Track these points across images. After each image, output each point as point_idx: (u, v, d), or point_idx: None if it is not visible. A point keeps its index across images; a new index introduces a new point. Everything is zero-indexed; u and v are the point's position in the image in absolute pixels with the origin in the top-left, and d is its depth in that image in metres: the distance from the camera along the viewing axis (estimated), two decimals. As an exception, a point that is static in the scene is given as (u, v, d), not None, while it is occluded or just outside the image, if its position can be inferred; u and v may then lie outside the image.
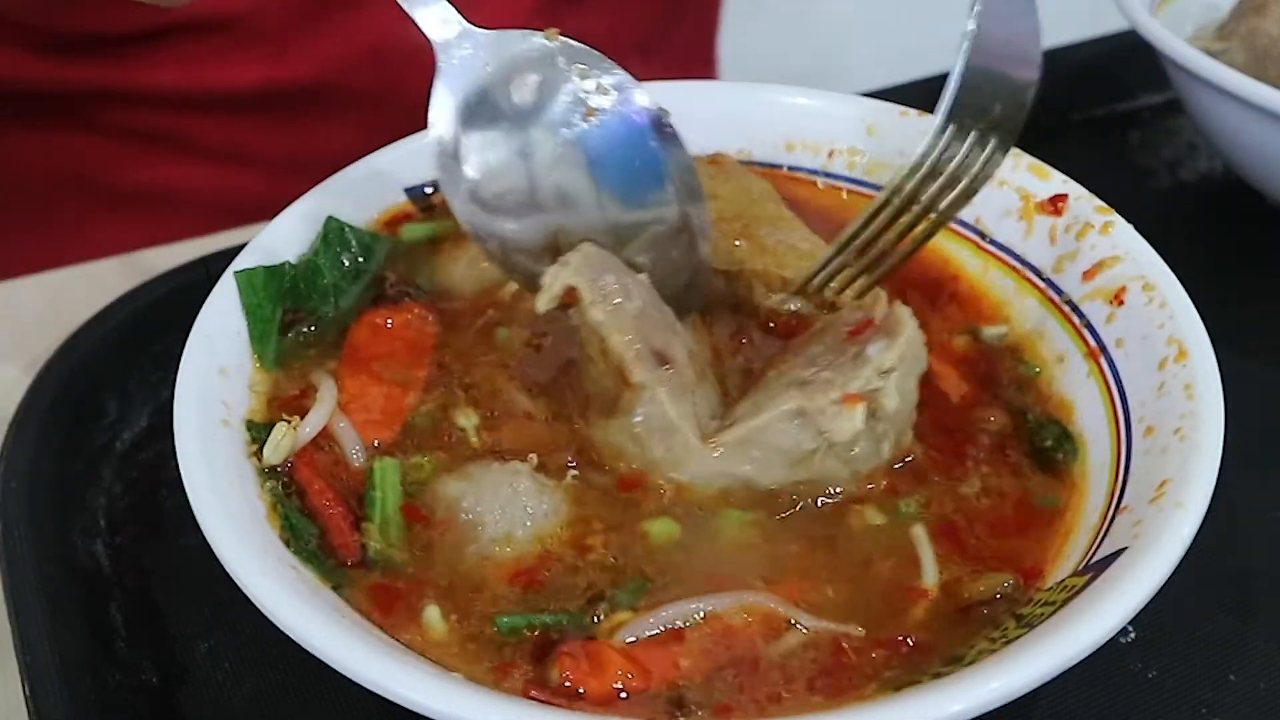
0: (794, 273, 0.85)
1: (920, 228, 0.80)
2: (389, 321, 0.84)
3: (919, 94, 1.11)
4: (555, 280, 0.73)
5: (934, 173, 0.79)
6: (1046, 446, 0.78)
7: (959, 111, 0.79)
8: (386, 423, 0.78)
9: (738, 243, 0.86)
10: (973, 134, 0.79)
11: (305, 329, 0.81)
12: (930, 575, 0.70)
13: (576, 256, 0.75)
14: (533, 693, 0.64)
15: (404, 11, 0.80)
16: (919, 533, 0.72)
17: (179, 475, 0.68)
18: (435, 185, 0.92)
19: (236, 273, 0.80)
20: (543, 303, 0.73)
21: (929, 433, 0.78)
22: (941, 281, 0.89)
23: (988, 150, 0.80)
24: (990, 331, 0.86)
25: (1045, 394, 0.82)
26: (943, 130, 0.79)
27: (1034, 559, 0.72)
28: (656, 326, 0.75)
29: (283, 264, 0.83)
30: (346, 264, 0.86)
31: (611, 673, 0.64)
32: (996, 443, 0.79)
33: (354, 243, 0.86)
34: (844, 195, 0.95)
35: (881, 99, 0.97)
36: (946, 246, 0.91)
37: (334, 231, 0.86)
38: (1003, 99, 0.79)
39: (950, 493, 0.75)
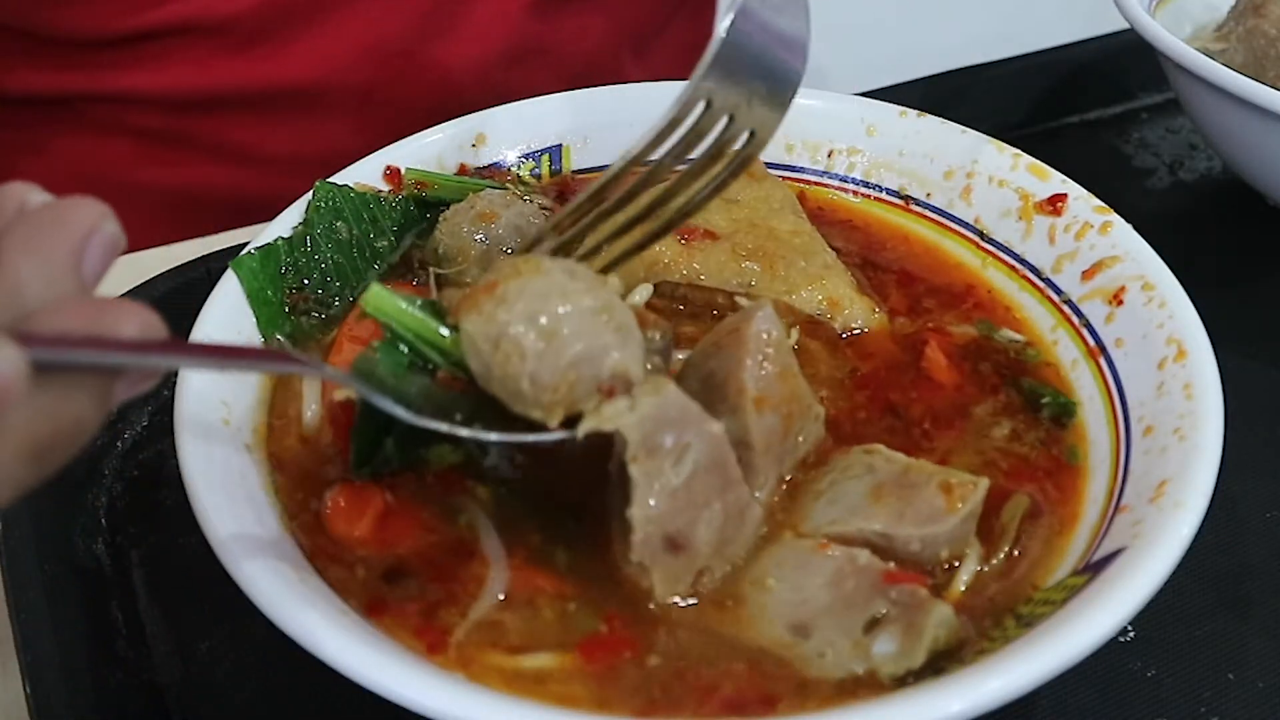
0: (804, 302, 0.84)
1: (679, 200, 0.76)
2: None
3: (919, 94, 1.12)
4: (612, 419, 0.64)
5: (685, 145, 0.74)
6: (1044, 403, 0.79)
7: (714, 91, 0.73)
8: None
9: (748, 264, 0.85)
10: (725, 118, 0.74)
11: (314, 314, 0.82)
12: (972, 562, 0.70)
13: (649, 402, 0.64)
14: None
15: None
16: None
17: (179, 475, 0.68)
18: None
19: (233, 263, 0.80)
20: (583, 430, 0.64)
21: (928, 419, 0.79)
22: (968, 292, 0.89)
23: (744, 137, 0.75)
24: (1006, 334, 0.85)
25: (1043, 375, 0.82)
26: (688, 103, 0.73)
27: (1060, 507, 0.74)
28: (699, 495, 0.67)
29: (275, 240, 0.83)
30: (343, 236, 0.85)
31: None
32: (1000, 411, 0.80)
33: (346, 209, 0.85)
34: (846, 196, 0.96)
35: (881, 99, 0.97)
36: (948, 247, 0.91)
37: (324, 196, 0.85)
38: (763, 93, 0.75)
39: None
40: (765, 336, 0.71)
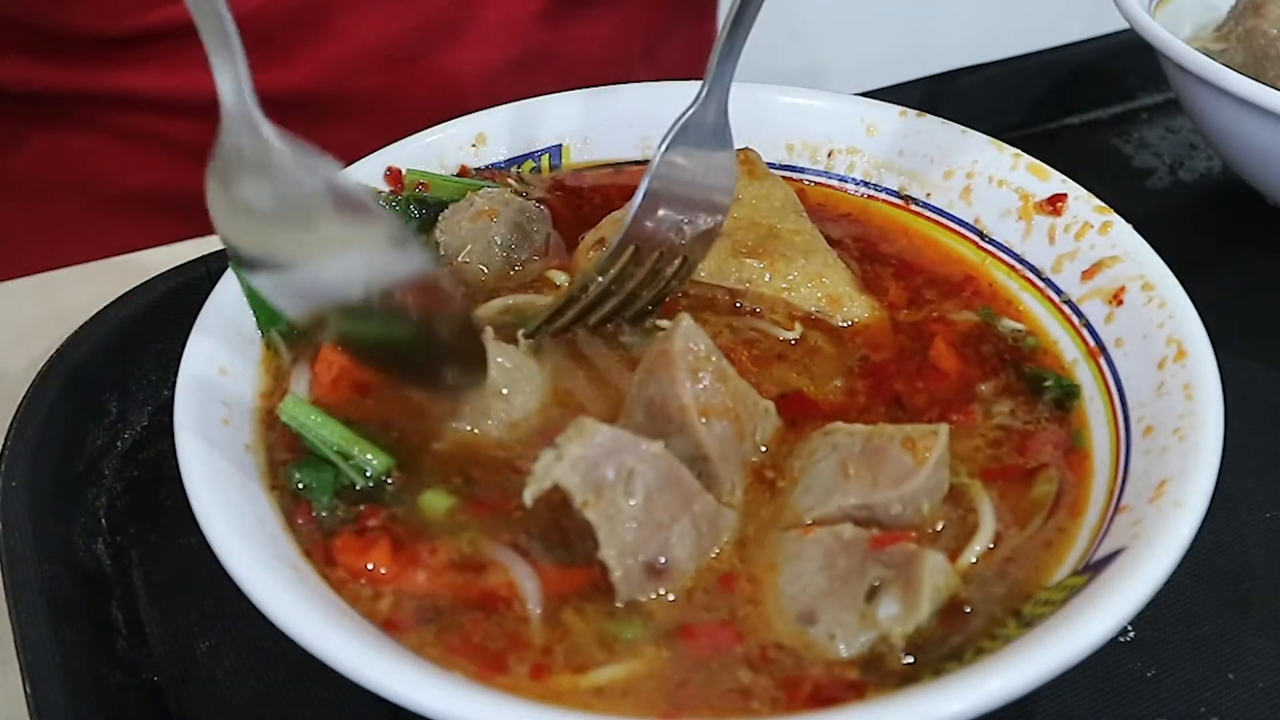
0: (803, 300, 0.85)
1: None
2: None
3: (918, 94, 1.12)
4: (545, 475, 0.65)
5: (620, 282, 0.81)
6: (1046, 386, 0.80)
7: (641, 234, 0.80)
8: (340, 386, 0.78)
9: (749, 261, 0.85)
10: (656, 254, 0.81)
11: None
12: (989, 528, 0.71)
13: (573, 447, 0.66)
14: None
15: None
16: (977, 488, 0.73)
17: (179, 475, 0.68)
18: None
19: (233, 263, 0.80)
20: (529, 495, 0.66)
21: (934, 409, 0.79)
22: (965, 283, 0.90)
23: (674, 268, 0.82)
24: (1009, 324, 0.86)
25: (1043, 363, 0.83)
26: (619, 252, 0.80)
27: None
28: (662, 515, 0.67)
29: None
30: None
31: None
32: (1003, 395, 0.80)
33: None
34: (845, 196, 0.96)
35: (881, 99, 0.97)
36: (948, 245, 0.91)
37: None
38: (691, 229, 0.81)
39: (979, 449, 0.77)
40: (691, 349, 0.72)
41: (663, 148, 0.80)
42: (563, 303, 0.81)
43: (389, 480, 0.73)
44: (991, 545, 0.71)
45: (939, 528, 0.71)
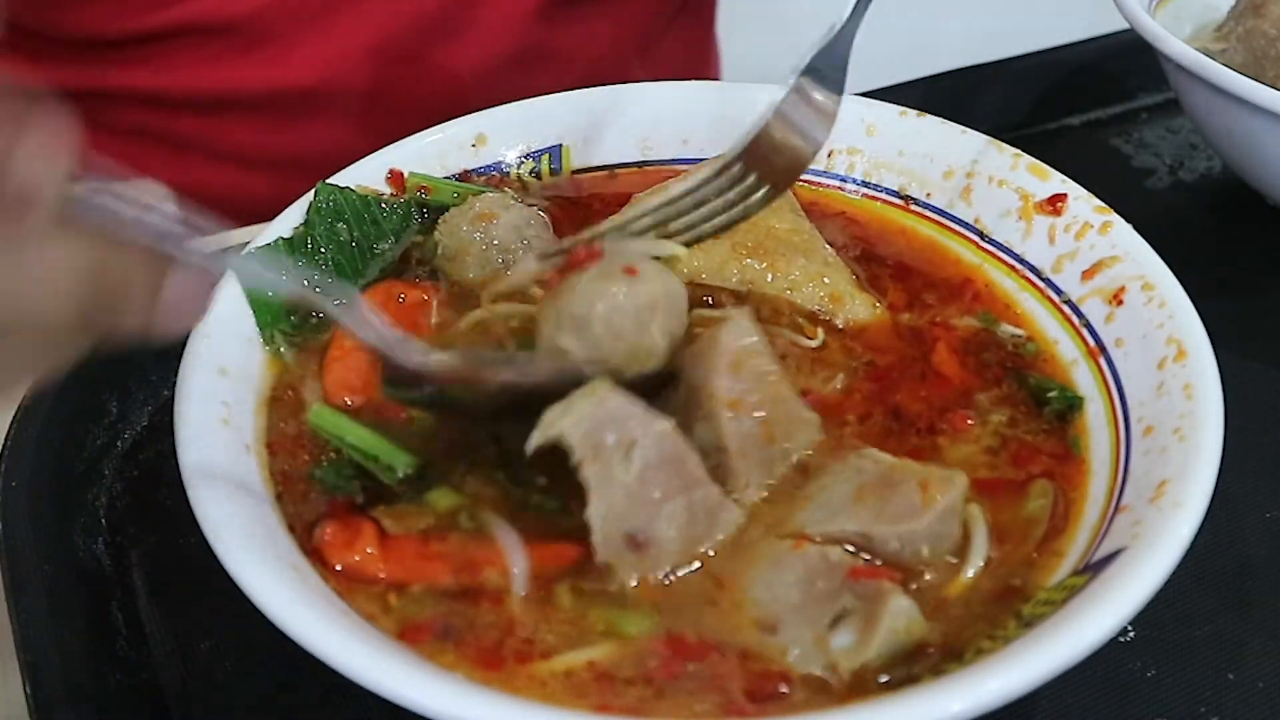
0: (806, 299, 0.85)
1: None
2: (402, 296, 0.84)
3: (918, 94, 1.12)
4: (551, 426, 0.66)
5: (701, 201, 0.82)
6: (1051, 398, 0.79)
7: (746, 157, 0.82)
8: (362, 388, 0.78)
9: (749, 261, 0.85)
10: (750, 178, 0.82)
11: (314, 315, 0.82)
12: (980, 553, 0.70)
13: (584, 404, 0.67)
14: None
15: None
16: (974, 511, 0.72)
17: (179, 475, 0.68)
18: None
19: (233, 264, 0.80)
20: (532, 443, 0.67)
21: (937, 411, 0.79)
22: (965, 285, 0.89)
23: (759, 194, 0.83)
24: (1008, 329, 0.85)
25: (1044, 369, 0.83)
26: (728, 165, 0.81)
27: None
28: (655, 492, 0.68)
29: (275, 241, 0.83)
30: (344, 237, 0.85)
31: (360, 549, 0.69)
32: (1003, 405, 0.80)
33: (348, 211, 0.85)
34: (844, 195, 0.96)
35: (881, 99, 0.97)
36: (947, 246, 0.91)
37: (326, 197, 0.85)
38: (784, 159, 0.83)
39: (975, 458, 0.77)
40: (741, 343, 0.72)
41: (798, 74, 0.82)
42: (661, 202, 0.81)
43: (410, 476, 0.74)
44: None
45: (928, 576, 0.70)
